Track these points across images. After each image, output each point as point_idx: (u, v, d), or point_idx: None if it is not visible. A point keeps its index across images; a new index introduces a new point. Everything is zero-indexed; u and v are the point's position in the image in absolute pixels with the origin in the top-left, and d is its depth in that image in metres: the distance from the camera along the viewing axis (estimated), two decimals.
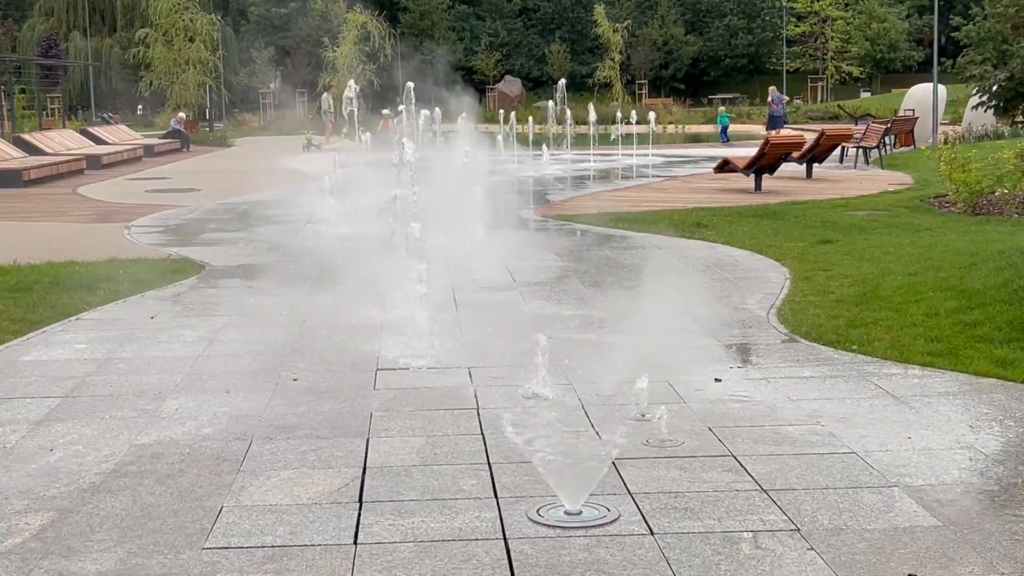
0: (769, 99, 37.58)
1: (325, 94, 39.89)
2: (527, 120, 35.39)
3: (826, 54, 75.71)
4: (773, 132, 29.90)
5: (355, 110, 26.46)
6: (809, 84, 73.23)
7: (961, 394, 6.46)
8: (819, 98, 70.46)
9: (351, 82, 27.99)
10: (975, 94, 13.39)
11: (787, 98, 38.97)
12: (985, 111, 17.31)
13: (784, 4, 70.56)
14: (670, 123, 49.55)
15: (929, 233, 12.95)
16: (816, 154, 21.69)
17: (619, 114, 33.32)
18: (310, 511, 4.74)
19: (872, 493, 4.87)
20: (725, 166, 20.30)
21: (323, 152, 33.93)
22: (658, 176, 24.10)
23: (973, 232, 12.72)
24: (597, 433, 5.79)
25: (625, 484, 4.99)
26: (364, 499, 4.87)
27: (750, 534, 4.44)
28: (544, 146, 29.62)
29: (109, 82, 67.04)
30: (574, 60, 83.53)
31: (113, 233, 14.89)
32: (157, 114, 54.30)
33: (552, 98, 39.15)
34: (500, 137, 28.39)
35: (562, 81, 40.62)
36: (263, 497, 4.92)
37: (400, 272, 9.07)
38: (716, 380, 6.83)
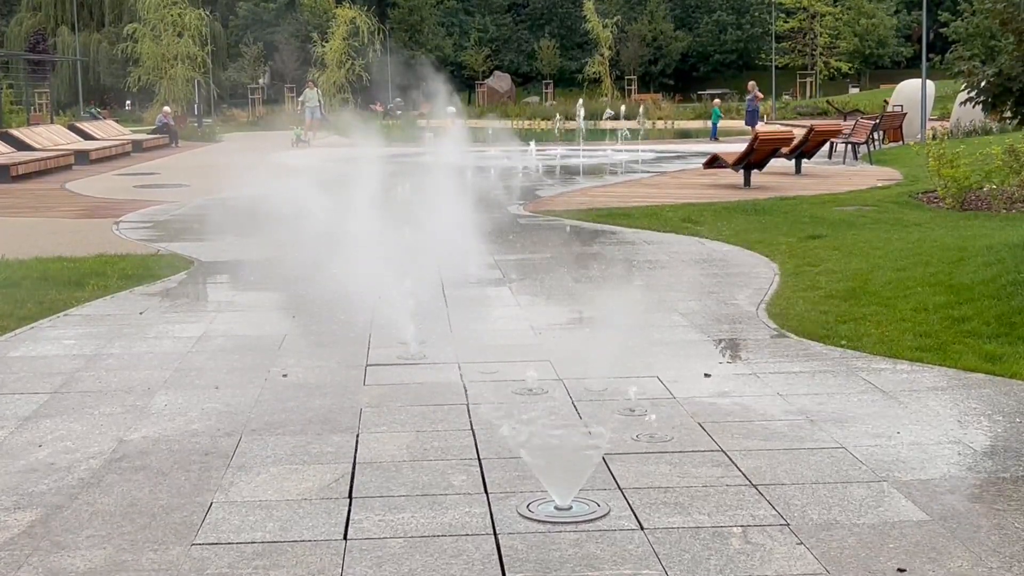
0: (753, 95, 37.29)
1: (308, 90, 39.68)
2: (515, 115, 35.46)
3: (815, 50, 75.77)
4: (761, 126, 29.96)
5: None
6: (798, 80, 73.26)
7: (950, 389, 6.48)
8: (808, 94, 70.49)
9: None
10: (963, 90, 13.40)
11: (760, 95, 38.54)
12: (973, 107, 17.33)
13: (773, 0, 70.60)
14: (659, 119, 49.59)
15: (918, 228, 12.98)
16: (805, 150, 21.72)
17: (610, 111, 33.36)
18: (300, 507, 4.74)
19: (861, 488, 4.88)
20: (714, 162, 20.31)
21: (312, 147, 33.87)
22: (647, 172, 24.10)
23: (961, 227, 12.75)
24: (587, 428, 5.79)
25: (615, 479, 5.00)
26: (354, 495, 4.87)
27: (740, 529, 4.45)
28: (532, 141, 29.61)
29: (97, 77, 66.85)
30: (563, 56, 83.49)
31: (101, 229, 14.85)
32: (146, 109, 54.14)
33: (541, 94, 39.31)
34: (489, 131, 28.34)
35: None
36: (252, 493, 4.91)
37: (390, 268, 9.07)
38: (705, 375, 6.84)
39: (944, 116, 36.29)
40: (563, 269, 11.02)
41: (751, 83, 38.34)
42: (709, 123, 41.66)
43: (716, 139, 35.73)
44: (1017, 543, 4.27)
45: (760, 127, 29.28)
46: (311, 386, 6.70)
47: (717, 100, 46.94)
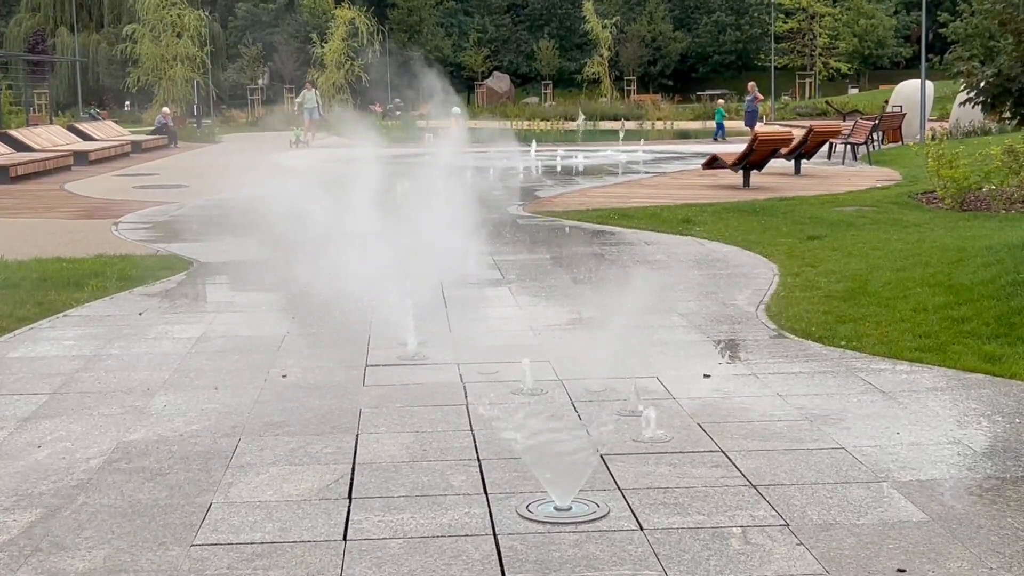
0: (753, 96, 37.22)
1: (306, 91, 39.64)
2: (514, 116, 35.46)
3: (814, 50, 75.74)
4: (760, 127, 29.95)
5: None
6: (797, 80, 73.26)
7: (949, 389, 6.48)
8: (807, 94, 70.50)
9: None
10: (962, 90, 13.42)
11: (760, 96, 38.54)
12: (972, 107, 17.35)
13: (772, 0, 70.56)
14: (658, 119, 49.62)
15: (917, 229, 12.98)
16: (804, 150, 21.72)
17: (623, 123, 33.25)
18: (299, 507, 4.74)
19: (861, 488, 4.88)
20: (713, 162, 20.32)
21: (310, 148, 33.85)
22: (647, 172, 24.10)
23: (961, 228, 12.75)
24: (586, 429, 5.79)
25: (614, 480, 5.00)
26: (353, 495, 4.87)
27: (739, 529, 4.45)
28: (532, 142, 29.61)
29: (96, 78, 66.85)
30: (562, 56, 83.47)
31: (101, 229, 14.85)
32: (145, 110, 54.16)
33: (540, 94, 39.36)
34: (488, 132, 28.33)
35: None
36: (252, 493, 4.91)
37: (389, 268, 9.07)
38: (705, 376, 6.84)
39: (943, 117, 36.30)
40: (562, 270, 11.02)
41: (751, 84, 38.31)
42: (708, 124, 41.67)
43: (721, 139, 35.70)
44: (1017, 543, 4.28)
45: (759, 128, 29.29)
46: (310, 387, 6.70)
47: (721, 101, 46.97)
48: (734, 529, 4.45)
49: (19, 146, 27.70)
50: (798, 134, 22.03)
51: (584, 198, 18.31)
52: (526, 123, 47.98)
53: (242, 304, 9.59)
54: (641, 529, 4.46)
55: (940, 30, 19.80)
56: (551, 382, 6.66)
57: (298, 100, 41.14)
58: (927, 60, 33.52)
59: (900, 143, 29.69)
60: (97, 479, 5.13)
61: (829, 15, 75.73)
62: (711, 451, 5.41)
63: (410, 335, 7.56)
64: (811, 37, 75.80)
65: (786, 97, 64.66)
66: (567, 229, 14.37)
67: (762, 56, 74.89)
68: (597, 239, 13.33)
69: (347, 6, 54.93)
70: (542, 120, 49.98)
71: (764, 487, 4.90)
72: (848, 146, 24.99)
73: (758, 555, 4.20)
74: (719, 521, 4.53)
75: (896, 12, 78.95)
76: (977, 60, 14.33)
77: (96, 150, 29.75)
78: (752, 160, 19.30)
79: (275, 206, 15.98)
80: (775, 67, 61.35)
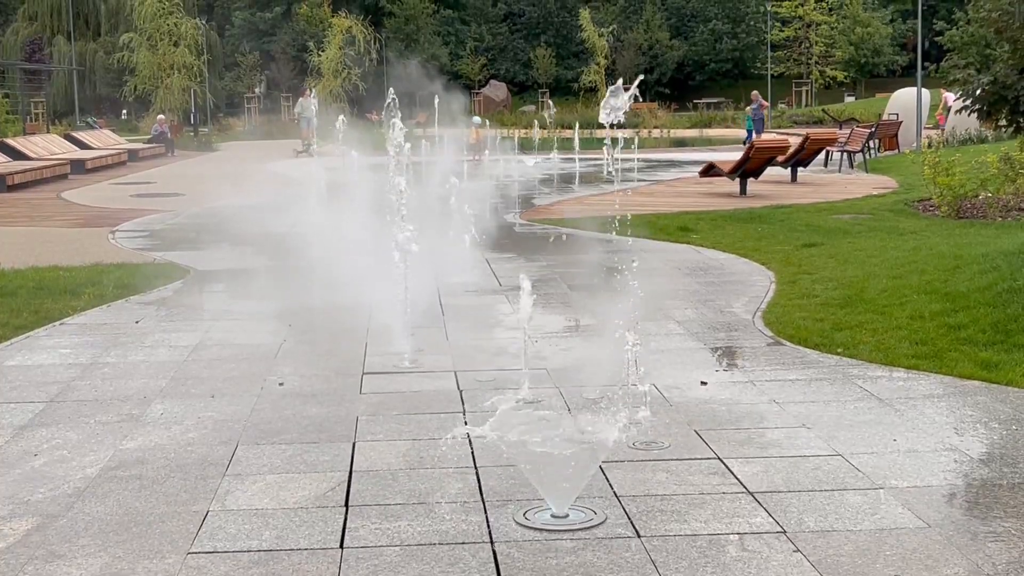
0: (758, 103, 37.21)
1: (303, 99, 39.64)
2: (511, 124, 35.42)
3: (810, 59, 75.87)
4: (763, 136, 29.98)
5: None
6: (793, 88, 73.38)
7: (946, 396, 6.48)
8: (803, 102, 70.59)
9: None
10: (959, 98, 13.47)
11: (765, 103, 38.67)
12: (968, 115, 17.40)
13: (768, 9, 70.62)
14: (655, 127, 49.66)
15: (913, 236, 12.99)
16: (801, 158, 21.76)
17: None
18: (296, 515, 4.73)
19: (857, 495, 4.88)
20: (710, 170, 20.34)
21: (311, 156, 33.82)
22: (643, 180, 24.12)
23: (957, 235, 12.76)
24: (583, 436, 5.78)
25: (611, 487, 5.00)
26: (350, 503, 4.87)
27: (736, 536, 4.45)
28: (531, 149, 29.60)
29: (93, 87, 66.84)
30: (559, 64, 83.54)
31: (97, 238, 14.84)
32: (142, 119, 54.19)
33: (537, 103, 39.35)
34: (488, 140, 28.36)
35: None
36: (249, 501, 4.91)
37: (385, 276, 9.06)
38: (702, 383, 6.84)
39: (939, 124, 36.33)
40: (559, 277, 11.02)
41: (754, 93, 38.49)
42: (705, 132, 41.69)
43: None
44: (1013, 550, 4.28)
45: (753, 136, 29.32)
46: (307, 395, 6.70)
47: (749, 108, 47.07)
48: (731, 536, 4.45)
49: (16, 155, 27.70)
50: (794, 142, 22.07)
51: (581, 206, 18.34)
52: (523, 131, 48.02)
53: (239, 312, 9.58)
54: (638, 536, 4.46)
55: (936, 38, 19.86)
56: (548, 390, 6.66)
57: (296, 110, 41.17)
58: (923, 68, 33.59)
59: (896, 151, 29.74)
60: (94, 487, 5.12)
61: (825, 23, 75.88)
62: (708, 458, 5.41)
63: (407, 343, 7.56)
64: (807, 45, 75.95)
65: (782, 105, 64.76)
66: (564, 237, 14.36)
67: (758, 64, 75.02)
68: (594, 246, 13.32)
69: (344, 15, 54.98)
70: (539, 128, 49.98)
71: (761, 494, 4.90)
72: (844, 154, 25.02)
73: (755, 562, 4.20)
74: (716, 528, 4.53)
75: (892, 20, 79.09)
76: (973, 68, 14.38)
77: (93, 159, 29.77)
78: (749, 168, 19.33)
79: (271, 214, 15.95)
80: (771, 75, 61.46)
